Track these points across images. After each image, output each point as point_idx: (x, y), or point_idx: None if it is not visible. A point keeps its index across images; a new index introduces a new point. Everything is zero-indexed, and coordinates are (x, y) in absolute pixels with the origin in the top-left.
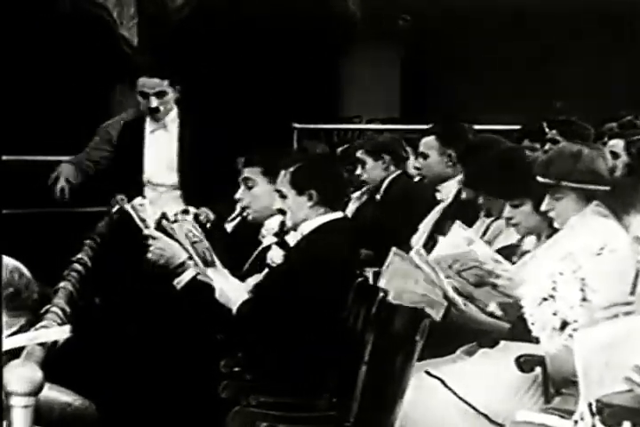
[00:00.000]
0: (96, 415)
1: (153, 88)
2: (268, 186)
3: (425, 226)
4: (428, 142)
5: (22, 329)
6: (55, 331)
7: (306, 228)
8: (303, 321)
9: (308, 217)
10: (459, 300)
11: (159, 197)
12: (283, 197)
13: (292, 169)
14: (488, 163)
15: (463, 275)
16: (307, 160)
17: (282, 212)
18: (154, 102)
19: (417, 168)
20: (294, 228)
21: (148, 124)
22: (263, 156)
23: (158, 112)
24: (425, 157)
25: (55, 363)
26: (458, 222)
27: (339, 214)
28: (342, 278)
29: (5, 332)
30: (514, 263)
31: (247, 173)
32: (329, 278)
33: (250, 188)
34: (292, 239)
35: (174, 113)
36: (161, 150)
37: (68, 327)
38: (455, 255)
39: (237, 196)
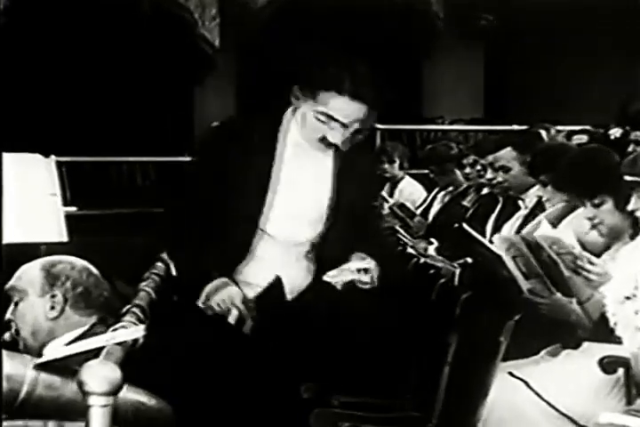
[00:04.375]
0: (171, 416)
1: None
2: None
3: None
4: (507, 155)
5: (93, 327)
6: (131, 331)
7: None
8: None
9: None
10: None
11: None
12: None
13: None
14: (569, 162)
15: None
16: None
17: None
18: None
19: (499, 182)
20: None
21: None
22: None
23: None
24: (506, 170)
25: (133, 363)
26: (544, 220)
27: None
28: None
29: (76, 331)
30: None
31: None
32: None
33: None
34: None
35: None
36: None
37: (142, 326)
38: (554, 238)
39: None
